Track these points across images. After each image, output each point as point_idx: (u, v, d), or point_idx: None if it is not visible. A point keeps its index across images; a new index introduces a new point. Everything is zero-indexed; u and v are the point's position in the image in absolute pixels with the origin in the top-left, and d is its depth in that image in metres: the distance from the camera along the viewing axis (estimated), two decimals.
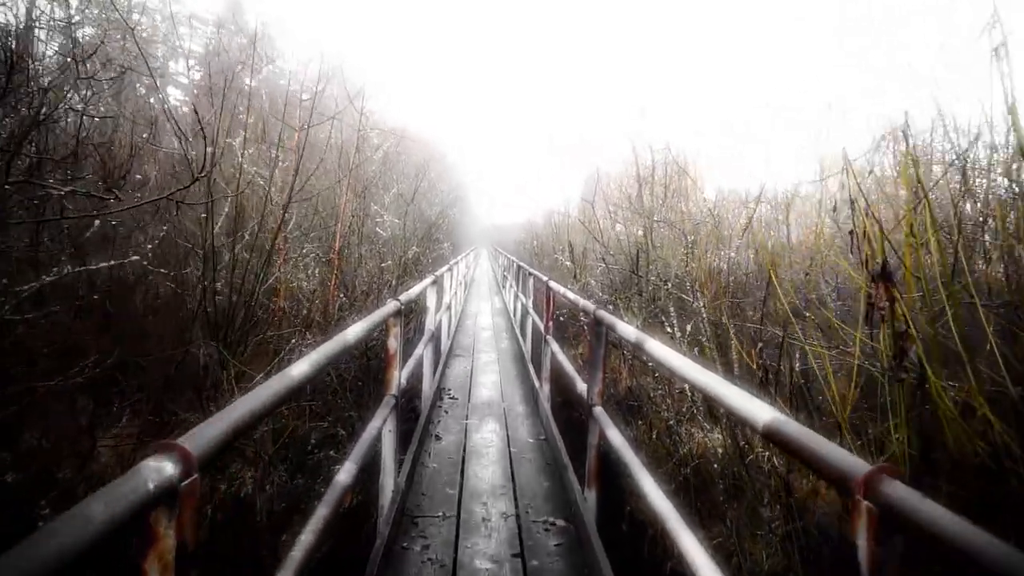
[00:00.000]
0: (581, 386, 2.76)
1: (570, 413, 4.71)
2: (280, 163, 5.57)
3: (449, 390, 5.14)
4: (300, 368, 1.26)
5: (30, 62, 3.51)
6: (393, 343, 2.48)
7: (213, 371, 3.93)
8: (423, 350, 3.75)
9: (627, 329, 2.06)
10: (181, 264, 4.71)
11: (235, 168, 4.66)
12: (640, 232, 6.49)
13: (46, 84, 3.32)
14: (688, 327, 4.64)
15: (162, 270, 4.36)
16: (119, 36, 8.40)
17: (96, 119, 4.79)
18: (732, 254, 5.30)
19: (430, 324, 4.23)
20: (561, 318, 7.50)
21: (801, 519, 2.75)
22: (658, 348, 1.72)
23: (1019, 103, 2.14)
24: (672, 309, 5.04)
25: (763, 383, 3.12)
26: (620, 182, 9.20)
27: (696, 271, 5.06)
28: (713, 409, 4.10)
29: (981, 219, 3.03)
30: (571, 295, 3.47)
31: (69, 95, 3.94)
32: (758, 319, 3.96)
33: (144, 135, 5.36)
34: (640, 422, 4.65)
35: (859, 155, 4.45)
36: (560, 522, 2.69)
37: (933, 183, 2.98)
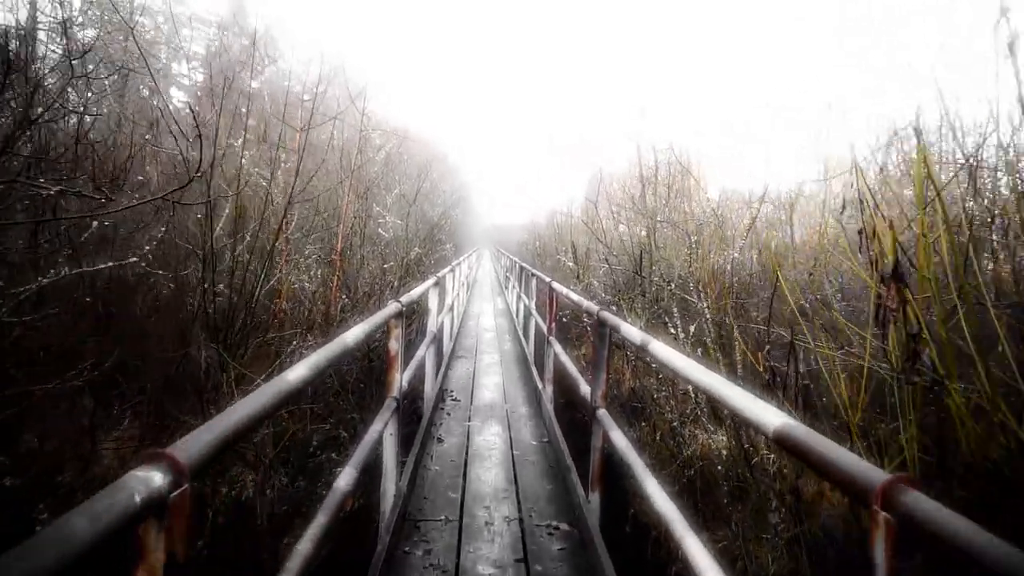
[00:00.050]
0: (584, 388, 2.73)
1: (573, 415, 4.67)
2: (282, 164, 5.56)
3: (451, 392, 5.11)
4: (297, 372, 1.24)
5: (30, 62, 3.49)
6: (394, 345, 2.44)
7: (213, 374, 3.91)
8: (425, 352, 3.72)
9: (631, 331, 2.03)
10: (182, 265, 4.69)
11: (236, 169, 4.64)
12: (643, 232, 6.45)
13: (45, 84, 3.31)
14: (692, 328, 4.60)
15: (162, 271, 4.34)
16: (122, 37, 8.41)
17: (96, 119, 4.77)
18: (735, 254, 5.26)
19: (432, 325, 4.20)
20: (564, 319, 7.46)
21: (806, 522, 2.72)
22: (662, 349, 1.70)
23: None
24: (676, 310, 5.01)
25: (769, 385, 3.09)
26: (623, 182, 9.15)
27: (700, 272, 5.02)
28: (717, 411, 4.07)
29: (989, 219, 3.00)
30: (574, 296, 3.44)
31: (69, 95, 3.92)
32: (762, 320, 3.92)
33: (146, 136, 5.35)
34: (644, 424, 4.62)
35: (868, 154, 4.42)
36: (563, 526, 2.66)
37: (945, 182, 2.95)
